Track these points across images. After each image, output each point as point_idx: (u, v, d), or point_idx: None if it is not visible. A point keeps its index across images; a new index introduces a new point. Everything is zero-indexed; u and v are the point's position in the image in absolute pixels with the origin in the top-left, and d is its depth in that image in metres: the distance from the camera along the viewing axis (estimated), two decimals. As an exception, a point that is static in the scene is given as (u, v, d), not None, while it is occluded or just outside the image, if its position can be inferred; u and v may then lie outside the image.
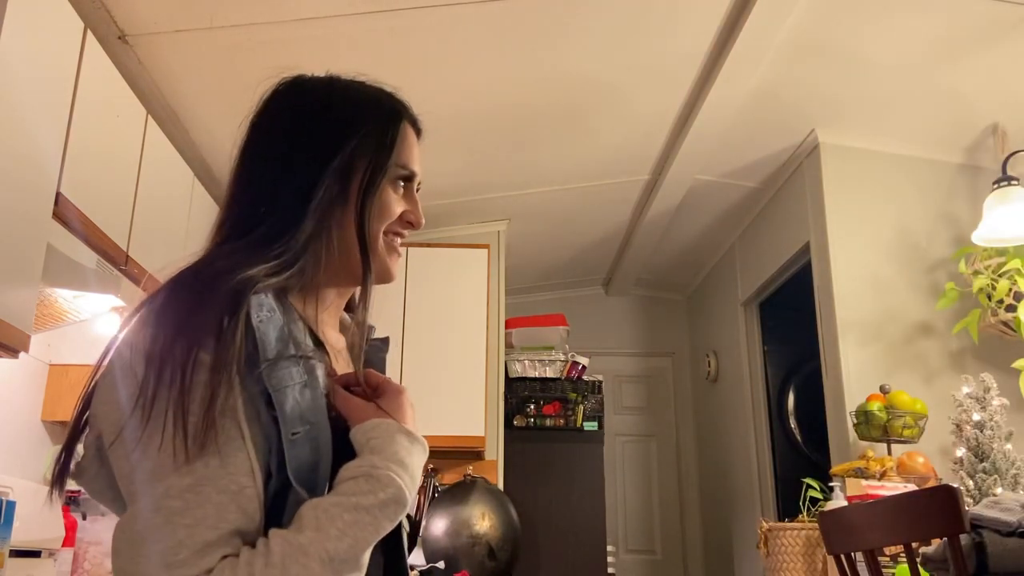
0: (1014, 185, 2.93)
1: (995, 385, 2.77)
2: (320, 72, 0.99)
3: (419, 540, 3.46)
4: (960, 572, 1.48)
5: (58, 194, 1.86)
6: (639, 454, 5.29)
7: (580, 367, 4.23)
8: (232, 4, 2.34)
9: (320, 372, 0.85)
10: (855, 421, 3.00)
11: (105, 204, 2.11)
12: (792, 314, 4.01)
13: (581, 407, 4.11)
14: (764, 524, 2.75)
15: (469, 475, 3.77)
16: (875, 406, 2.92)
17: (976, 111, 3.19)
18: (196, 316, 0.76)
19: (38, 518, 2.07)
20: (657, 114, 3.30)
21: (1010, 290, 2.91)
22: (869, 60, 2.92)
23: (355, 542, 0.75)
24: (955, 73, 2.96)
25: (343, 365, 0.94)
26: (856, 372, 3.20)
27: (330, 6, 2.40)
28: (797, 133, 3.49)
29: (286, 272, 0.86)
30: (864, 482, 2.68)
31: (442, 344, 3.79)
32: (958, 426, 2.81)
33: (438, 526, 3.60)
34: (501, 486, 3.88)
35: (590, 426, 4.11)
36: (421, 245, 3.93)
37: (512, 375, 4.16)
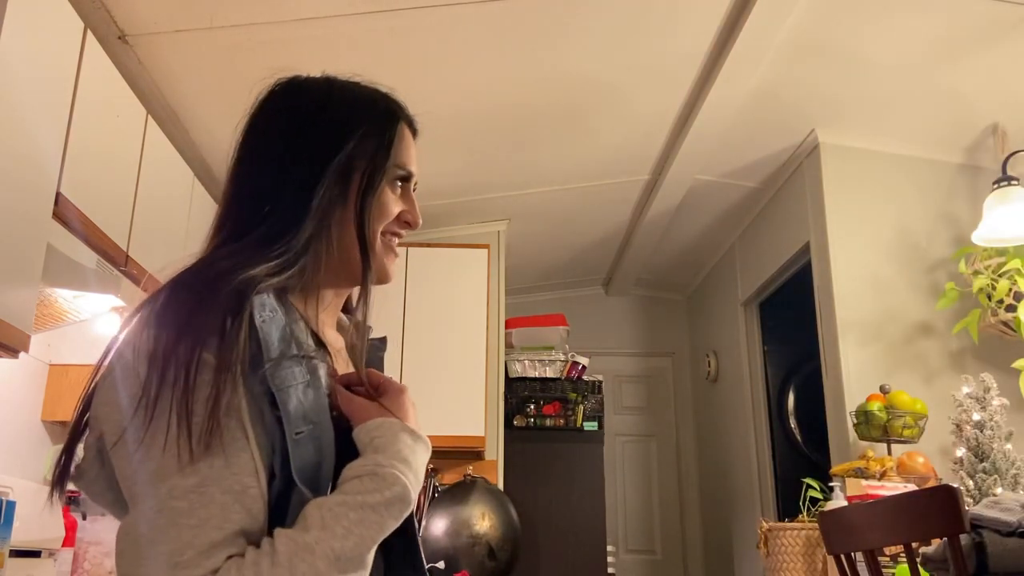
0: (1014, 185, 2.92)
1: (995, 385, 2.77)
2: (318, 72, 0.99)
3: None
4: (960, 572, 1.48)
5: (58, 194, 1.86)
6: (639, 454, 5.29)
7: (580, 367, 4.23)
8: (232, 4, 2.34)
9: (322, 372, 0.85)
10: (855, 421, 3.00)
11: (105, 204, 2.11)
12: (792, 314, 4.00)
13: (581, 407, 4.11)
14: (764, 524, 2.75)
15: (469, 475, 3.77)
16: (875, 406, 2.92)
17: (976, 111, 3.19)
18: (199, 316, 0.76)
19: (38, 518, 2.07)
20: (657, 114, 3.30)
21: (1010, 290, 2.91)
22: (869, 60, 2.92)
23: (361, 540, 0.75)
24: (955, 73, 2.96)
25: (342, 365, 0.95)
26: (856, 372, 3.19)
27: (330, 6, 2.40)
28: (797, 133, 3.49)
29: (287, 272, 0.86)
30: (864, 482, 2.68)
31: (442, 344, 3.79)
32: (958, 426, 2.81)
33: (438, 526, 3.60)
34: (501, 486, 3.88)
35: (590, 426, 4.10)
36: (421, 245, 3.93)
37: (512, 375, 4.15)
